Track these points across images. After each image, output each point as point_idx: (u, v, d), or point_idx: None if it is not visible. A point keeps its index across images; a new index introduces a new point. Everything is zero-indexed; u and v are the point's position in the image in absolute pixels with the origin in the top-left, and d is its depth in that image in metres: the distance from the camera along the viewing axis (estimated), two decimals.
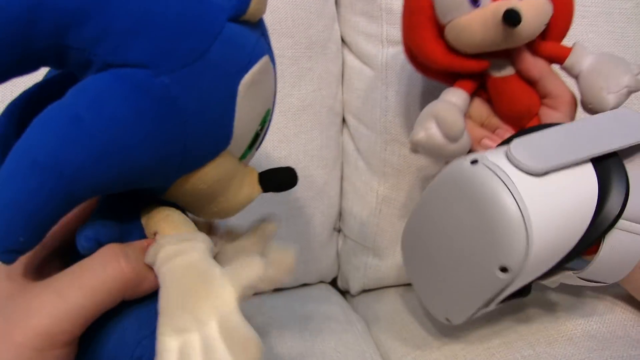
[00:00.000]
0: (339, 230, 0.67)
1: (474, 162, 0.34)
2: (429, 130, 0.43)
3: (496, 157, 0.34)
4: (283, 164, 0.33)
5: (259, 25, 0.26)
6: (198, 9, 0.22)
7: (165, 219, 0.26)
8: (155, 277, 0.24)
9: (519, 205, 0.31)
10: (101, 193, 0.22)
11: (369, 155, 0.61)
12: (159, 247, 0.24)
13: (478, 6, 0.41)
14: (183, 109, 0.22)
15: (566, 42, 0.44)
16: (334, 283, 0.70)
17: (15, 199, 0.19)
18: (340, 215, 0.66)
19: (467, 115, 0.47)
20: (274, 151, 0.57)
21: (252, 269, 0.23)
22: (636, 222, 0.35)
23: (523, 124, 0.46)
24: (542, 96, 0.45)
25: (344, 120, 0.65)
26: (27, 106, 0.25)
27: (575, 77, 0.43)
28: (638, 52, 0.54)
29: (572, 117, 0.44)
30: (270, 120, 0.30)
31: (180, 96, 0.21)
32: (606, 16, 0.54)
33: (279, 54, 0.56)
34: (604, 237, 0.35)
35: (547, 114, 0.44)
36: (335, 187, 0.64)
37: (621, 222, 0.34)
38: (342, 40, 0.65)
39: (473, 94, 0.47)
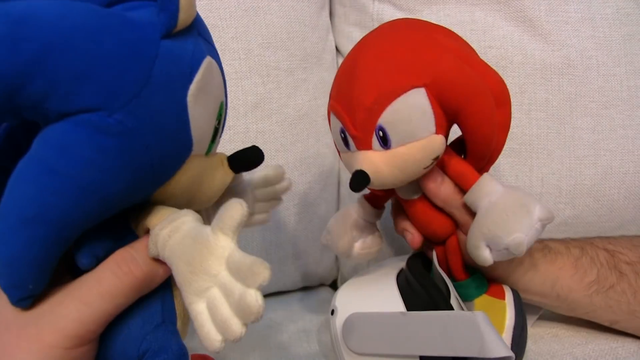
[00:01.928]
0: None
1: (332, 312, 0.42)
2: (324, 241, 0.47)
3: (341, 319, 0.40)
4: None
5: (194, 26, 0.26)
6: (132, 39, 0.23)
7: (152, 215, 0.28)
8: (164, 264, 0.27)
9: None
10: (89, 227, 0.25)
11: None
12: (155, 236, 0.26)
13: (349, 149, 0.38)
14: (142, 136, 0.23)
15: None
16: (334, 285, 0.71)
17: (15, 254, 0.23)
18: None
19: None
20: (271, 160, 0.59)
21: (232, 211, 0.24)
22: None
23: (437, 243, 0.42)
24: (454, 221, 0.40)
25: None
26: None
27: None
28: (620, 55, 0.56)
29: None
30: (226, 110, 0.32)
31: (136, 126, 0.23)
32: (589, 22, 0.56)
33: (274, 66, 0.60)
34: None
35: (462, 239, 0.40)
36: (332, 192, 0.66)
37: None
38: (337, 49, 0.67)
39: None
